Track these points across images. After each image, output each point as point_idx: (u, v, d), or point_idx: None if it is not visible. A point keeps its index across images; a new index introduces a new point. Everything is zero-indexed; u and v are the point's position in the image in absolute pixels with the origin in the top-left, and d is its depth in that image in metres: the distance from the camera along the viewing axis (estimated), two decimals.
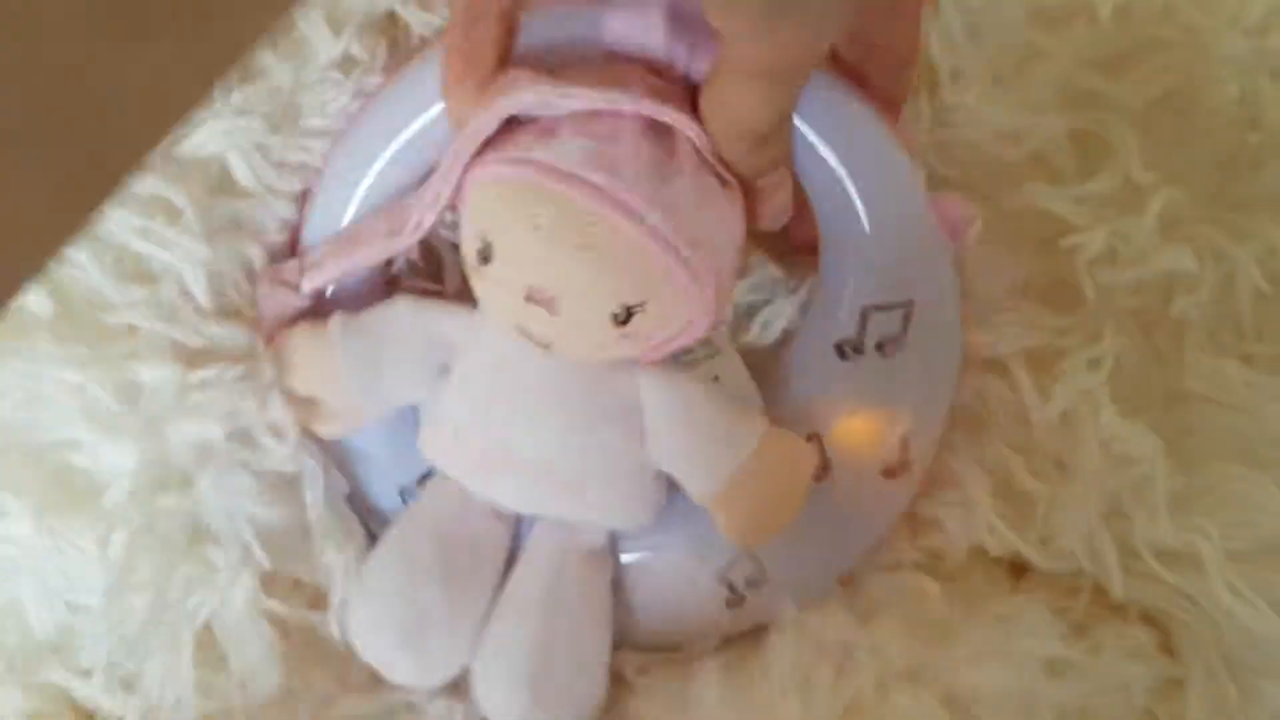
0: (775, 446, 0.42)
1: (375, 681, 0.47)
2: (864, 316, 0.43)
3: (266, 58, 0.43)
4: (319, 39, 0.43)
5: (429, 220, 0.41)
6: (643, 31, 0.39)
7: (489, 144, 0.39)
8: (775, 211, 0.41)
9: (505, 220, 0.38)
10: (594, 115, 0.38)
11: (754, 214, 0.41)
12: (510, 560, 0.45)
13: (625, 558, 0.45)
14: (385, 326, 0.43)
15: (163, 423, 0.43)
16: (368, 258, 0.43)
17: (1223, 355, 0.43)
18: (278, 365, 0.44)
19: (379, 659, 0.45)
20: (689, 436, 0.42)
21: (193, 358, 0.44)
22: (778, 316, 0.49)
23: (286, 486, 0.46)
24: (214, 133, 0.43)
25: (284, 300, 0.44)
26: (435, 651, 0.44)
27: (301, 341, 0.44)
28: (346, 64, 0.44)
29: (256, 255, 0.44)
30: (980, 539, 0.46)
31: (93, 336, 0.43)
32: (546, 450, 0.42)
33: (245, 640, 0.44)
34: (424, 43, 0.45)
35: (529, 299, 0.39)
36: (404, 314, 0.43)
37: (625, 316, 0.38)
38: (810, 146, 0.42)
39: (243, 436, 0.44)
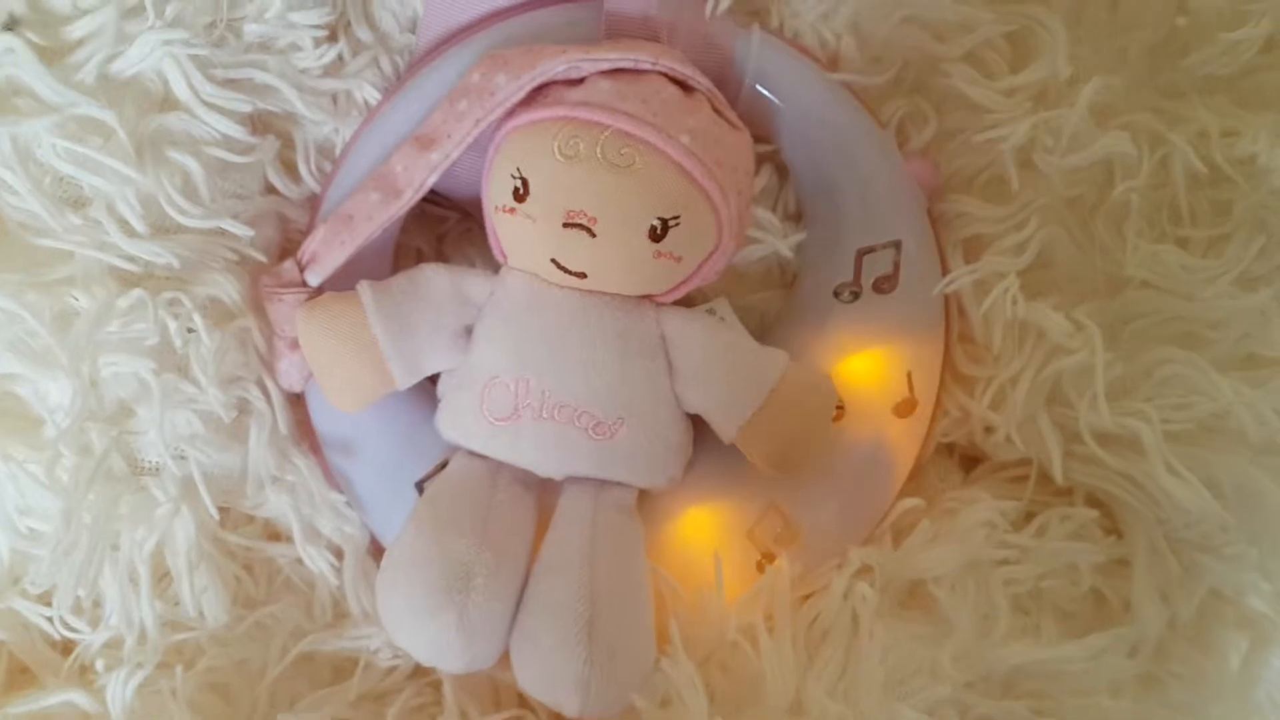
0: (799, 375, 0.44)
1: (340, 616, 0.47)
2: (858, 259, 0.46)
3: None
4: None
5: (432, 180, 0.44)
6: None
7: (514, 108, 0.43)
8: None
9: (541, 154, 0.41)
10: (617, 71, 0.42)
11: None
12: (539, 532, 0.45)
13: (652, 522, 0.46)
14: (416, 289, 0.44)
15: (92, 356, 0.42)
16: (367, 230, 0.44)
17: (1160, 240, 0.44)
18: (303, 342, 0.44)
19: (416, 631, 0.42)
20: (716, 366, 0.44)
21: (129, 282, 0.43)
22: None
23: (232, 425, 0.45)
24: (147, 47, 0.42)
25: (293, 303, 0.44)
26: (477, 614, 0.41)
27: (327, 311, 0.44)
28: None
29: (195, 169, 0.43)
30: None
31: (29, 262, 0.42)
32: (581, 386, 0.43)
33: (193, 573, 0.44)
34: None
35: (568, 224, 0.41)
36: (435, 276, 0.44)
37: (662, 230, 0.41)
38: (794, 120, 0.46)
39: (178, 371, 0.44)
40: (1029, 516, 0.47)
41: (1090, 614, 0.46)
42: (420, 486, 0.46)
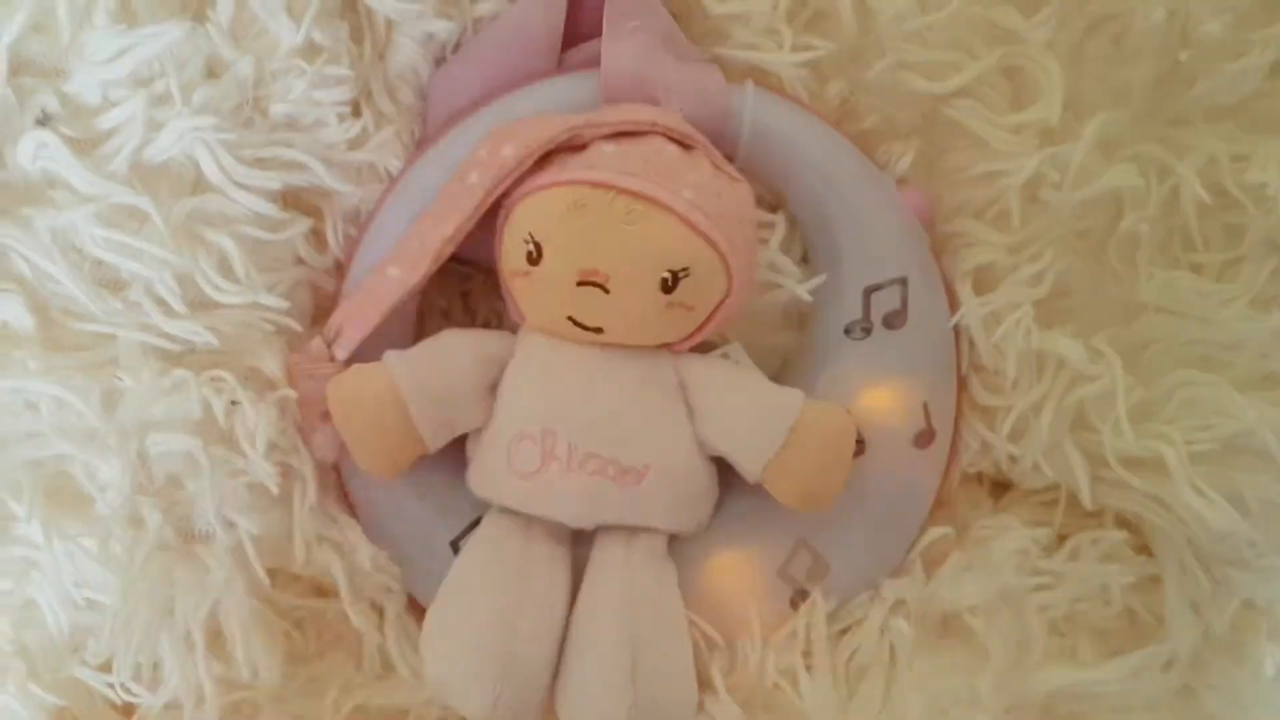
0: (818, 410, 0.45)
1: (389, 668, 0.48)
2: (866, 297, 0.48)
3: (227, 51, 0.43)
4: (279, 28, 0.44)
5: (448, 251, 0.45)
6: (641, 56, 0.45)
7: (522, 177, 0.44)
8: None
9: (553, 220, 0.43)
10: (618, 135, 0.44)
11: None
12: (575, 584, 0.46)
13: (685, 566, 0.47)
14: (440, 354, 0.46)
15: (140, 435, 0.43)
16: (388, 304, 0.45)
17: (1173, 267, 0.45)
18: (335, 414, 0.45)
19: (463, 688, 0.43)
20: (735, 407, 0.45)
21: (171, 359, 0.44)
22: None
23: (276, 491, 0.46)
24: (177, 133, 0.43)
25: (323, 378, 0.46)
26: (521, 667, 0.43)
27: (356, 383, 0.45)
28: (309, 52, 0.44)
29: (230, 247, 0.44)
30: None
31: (73, 347, 0.44)
32: (605, 436, 0.44)
33: (248, 634, 0.45)
34: (388, 26, 0.47)
35: (582, 283, 0.43)
36: (457, 341, 0.46)
37: (672, 282, 0.43)
38: (793, 167, 0.47)
39: (224, 443, 0.45)
40: (1060, 539, 0.48)
41: (1125, 630, 0.47)
42: (455, 546, 0.47)
